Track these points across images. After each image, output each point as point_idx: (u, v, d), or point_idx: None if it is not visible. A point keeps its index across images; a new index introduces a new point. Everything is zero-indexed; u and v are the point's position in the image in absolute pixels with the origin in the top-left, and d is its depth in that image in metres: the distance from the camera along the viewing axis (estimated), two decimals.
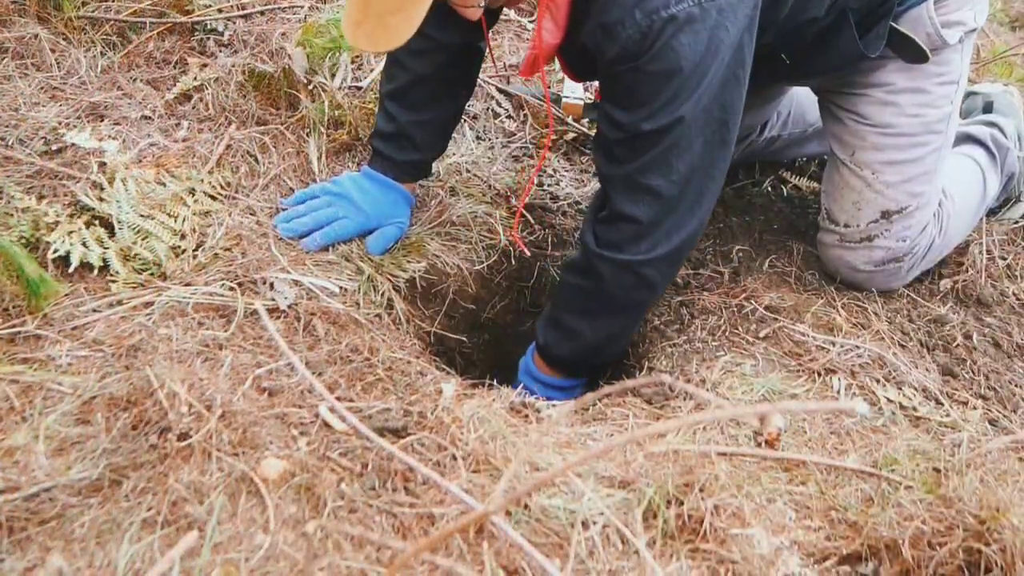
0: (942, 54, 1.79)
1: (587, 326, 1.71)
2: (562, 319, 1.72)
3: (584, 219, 1.66)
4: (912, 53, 1.76)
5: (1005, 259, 2.10)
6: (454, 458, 1.28)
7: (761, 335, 1.78)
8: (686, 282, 1.94)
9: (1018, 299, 2.01)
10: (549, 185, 2.20)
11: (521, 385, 1.78)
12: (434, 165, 1.98)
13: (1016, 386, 1.78)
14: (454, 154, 2.15)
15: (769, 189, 2.28)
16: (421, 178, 1.95)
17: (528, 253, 2.00)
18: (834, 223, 1.92)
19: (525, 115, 2.41)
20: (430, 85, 1.79)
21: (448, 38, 1.72)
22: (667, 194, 1.55)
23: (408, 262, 1.84)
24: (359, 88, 2.15)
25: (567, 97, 2.36)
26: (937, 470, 1.40)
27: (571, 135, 2.38)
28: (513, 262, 1.99)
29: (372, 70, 2.21)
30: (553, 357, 1.77)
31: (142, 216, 1.64)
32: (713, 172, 1.57)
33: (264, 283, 1.59)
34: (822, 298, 1.90)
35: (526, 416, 1.49)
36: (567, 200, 2.15)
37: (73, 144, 1.76)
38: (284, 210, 1.80)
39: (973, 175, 2.07)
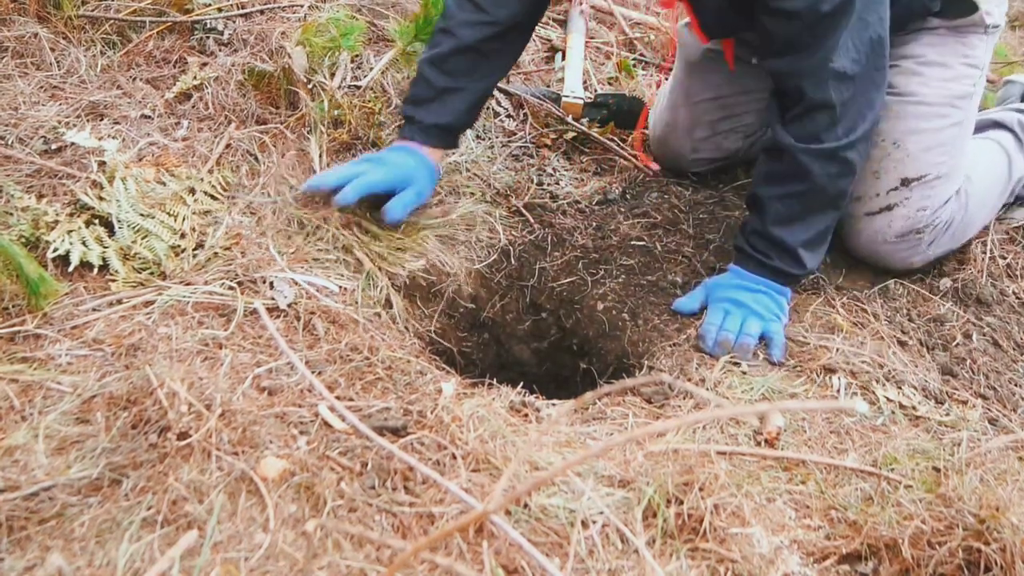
0: (969, 37, 1.90)
1: (795, 232, 1.76)
2: (770, 231, 1.77)
3: (771, 130, 1.77)
4: (959, 9, 1.85)
5: (1005, 258, 2.10)
6: (454, 457, 1.29)
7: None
8: (686, 280, 1.94)
9: (1018, 298, 2.01)
10: (549, 184, 2.20)
11: (720, 305, 1.78)
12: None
13: (1016, 385, 1.78)
14: (453, 153, 2.15)
15: None
16: (448, 147, 1.99)
17: (656, 168, 2.13)
18: (853, 194, 1.92)
19: (525, 114, 2.41)
20: (471, 55, 1.89)
21: (500, 15, 1.86)
22: (852, 72, 1.64)
23: (407, 261, 1.84)
24: (358, 87, 2.15)
25: (567, 96, 2.36)
26: (937, 469, 1.40)
27: (571, 134, 2.38)
28: (513, 261, 1.99)
29: (371, 69, 2.21)
30: (766, 266, 1.80)
31: (142, 215, 1.64)
32: (884, 43, 1.68)
33: (264, 282, 1.59)
34: (821, 297, 1.90)
35: (526, 415, 1.49)
36: (567, 199, 2.15)
37: (73, 143, 1.76)
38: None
39: (998, 157, 2.10)
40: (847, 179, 1.75)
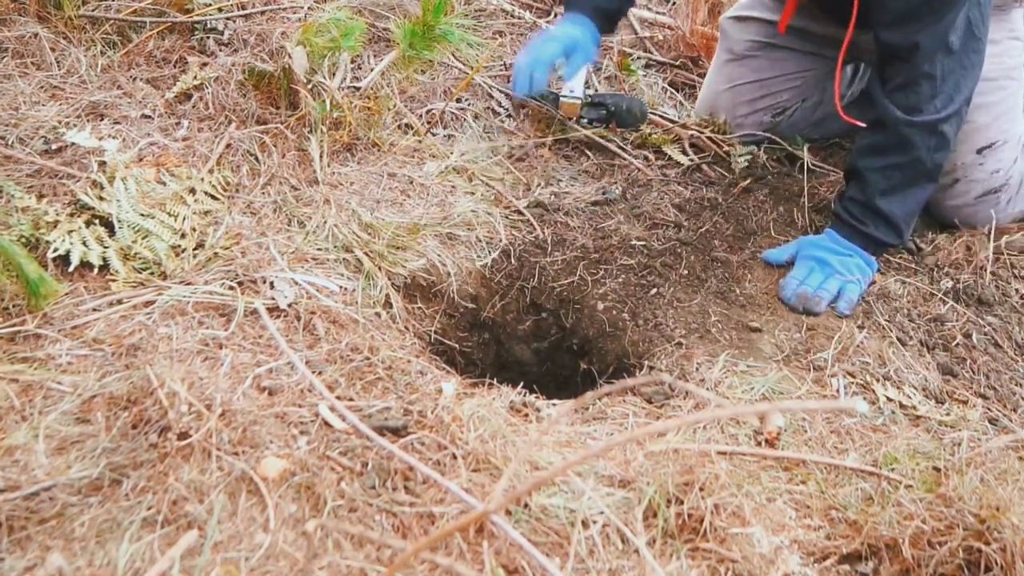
0: (1009, 12, 2.05)
1: (896, 202, 1.87)
2: (873, 202, 1.88)
3: (874, 102, 1.87)
4: None
5: (1009, 258, 2.10)
6: (454, 457, 1.29)
7: (761, 333, 1.77)
8: (685, 279, 1.94)
9: (1020, 297, 2.01)
10: (549, 184, 2.20)
11: (807, 262, 1.90)
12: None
13: (1016, 385, 1.78)
14: (452, 153, 2.15)
15: (766, 189, 2.28)
16: (606, 32, 2.20)
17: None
18: None
19: (525, 114, 2.41)
20: None
21: None
22: (956, 47, 1.75)
23: (407, 261, 1.84)
24: (357, 88, 2.15)
25: (565, 97, 2.36)
26: (937, 469, 1.40)
27: (572, 134, 2.37)
28: (513, 261, 1.99)
29: (372, 70, 2.21)
30: (862, 234, 1.92)
31: (142, 215, 1.64)
32: (983, 26, 1.79)
33: (264, 282, 1.59)
34: None
35: (526, 415, 1.49)
36: (567, 199, 2.15)
37: (73, 143, 1.76)
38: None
39: None
40: (943, 152, 1.86)
